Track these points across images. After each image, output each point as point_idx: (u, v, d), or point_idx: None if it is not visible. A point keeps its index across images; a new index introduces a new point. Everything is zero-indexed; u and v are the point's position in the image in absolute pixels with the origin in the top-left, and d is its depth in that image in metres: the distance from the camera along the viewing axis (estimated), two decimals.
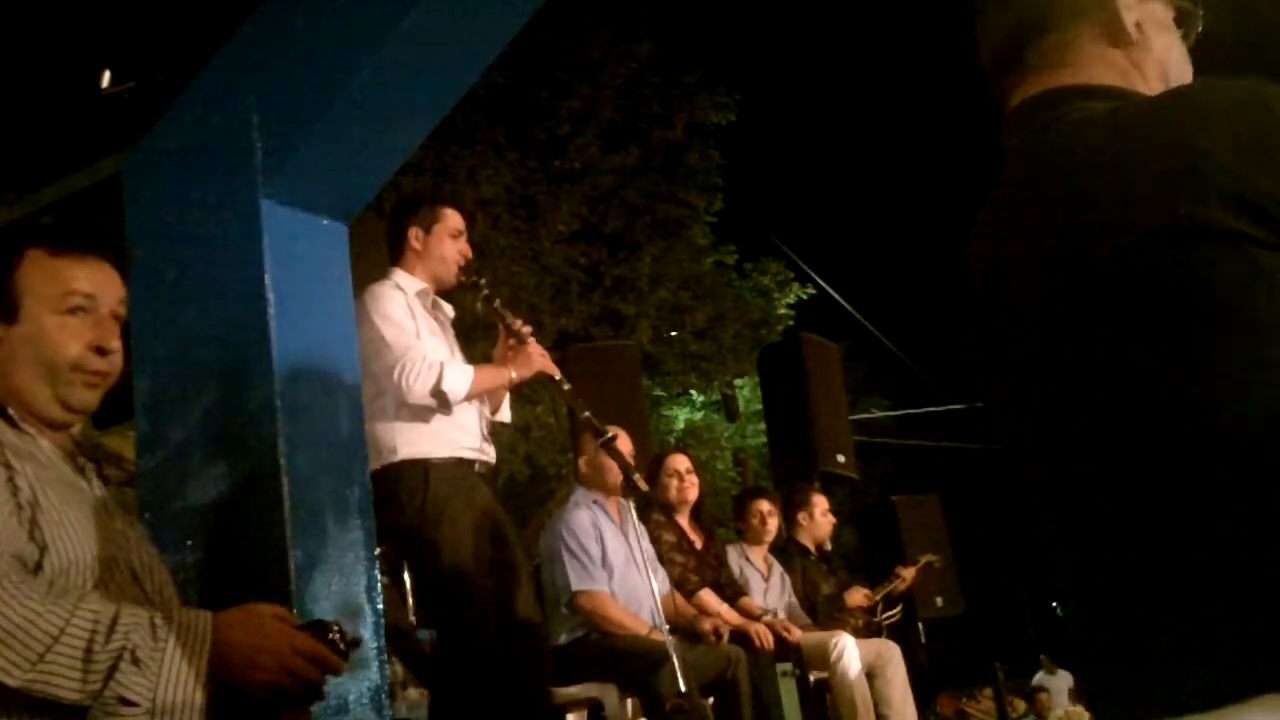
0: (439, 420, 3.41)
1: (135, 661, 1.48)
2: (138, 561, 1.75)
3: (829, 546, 6.18)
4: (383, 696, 2.69)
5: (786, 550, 5.86)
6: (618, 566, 4.30)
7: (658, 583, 4.08)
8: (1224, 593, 0.95)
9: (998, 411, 1.25)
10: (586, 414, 3.69)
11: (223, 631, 1.56)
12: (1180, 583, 0.98)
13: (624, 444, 3.79)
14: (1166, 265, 1.06)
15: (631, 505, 3.90)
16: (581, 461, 4.50)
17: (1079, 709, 9.71)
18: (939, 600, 7.66)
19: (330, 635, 1.64)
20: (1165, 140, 1.10)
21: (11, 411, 1.70)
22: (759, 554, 5.55)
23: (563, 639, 4.20)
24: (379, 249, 3.83)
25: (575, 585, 4.20)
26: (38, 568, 1.56)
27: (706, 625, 4.35)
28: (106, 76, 7.16)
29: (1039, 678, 14.66)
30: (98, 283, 1.77)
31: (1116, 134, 1.15)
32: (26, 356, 1.72)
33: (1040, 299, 1.16)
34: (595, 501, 4.44)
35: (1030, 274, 1.17)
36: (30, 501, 1.58)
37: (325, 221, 3.23)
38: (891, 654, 5.19)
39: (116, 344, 1.78)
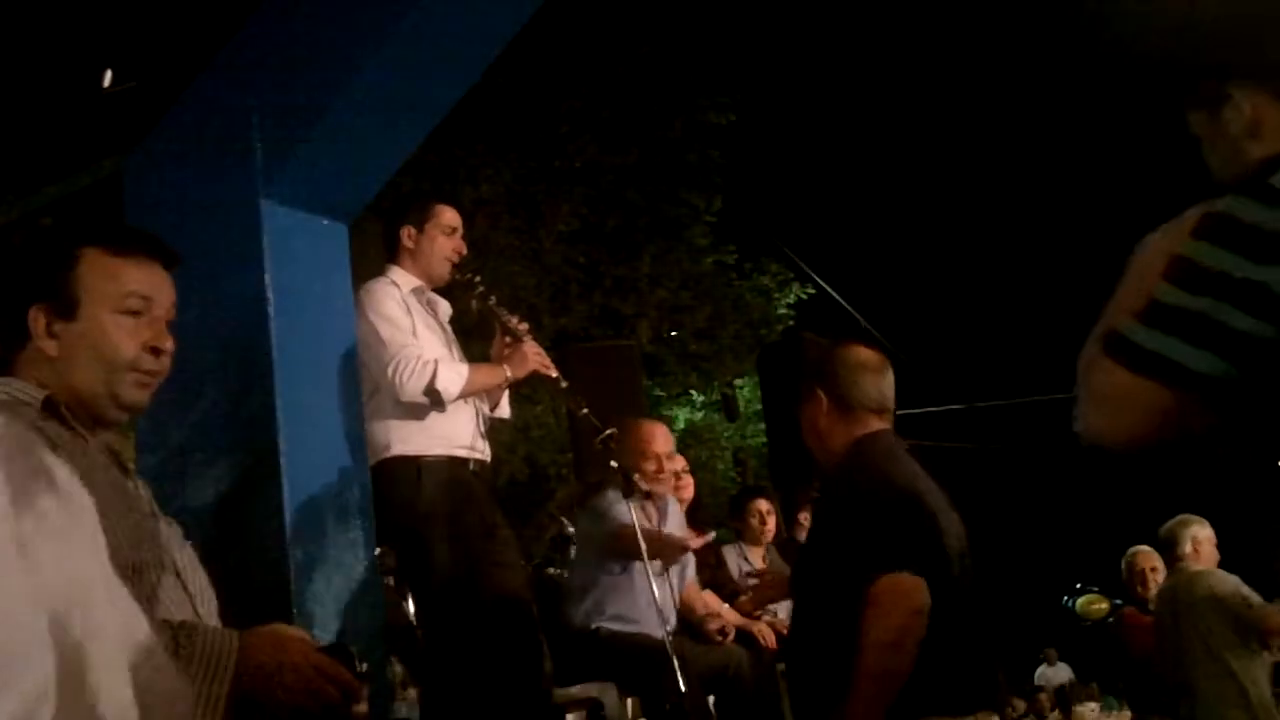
0: (433, 418, 3.41)
1: None
2: (181, 564, 1.76)
3: None
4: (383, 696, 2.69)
5: (786, 550, 5.86)
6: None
7: (677, 579, 4.17)
8: None
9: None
10: (585, 410, 3.70)
11: (248, 651, 1.57)
12: None
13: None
14: None
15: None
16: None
17: (1084, 708, 9.73)
18: None
19: (354, 662, 1.67)
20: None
21: (64, 411, 1.71)
22: (757, 554, 5.53)
23: (575, 623, 4.19)
24: (379, 249, 3.84)
25: None
26: None
27: (713, 625, 4.37)
28: (108, 76, 7.16)
29: (1040, 674, 14.68)
30: (153, 285, 1.80)
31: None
32: (84, 354, 1.74)
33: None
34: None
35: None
36: None
37: (325, 221, 3.24)
38: None
39: (170, 344, 1.81)
